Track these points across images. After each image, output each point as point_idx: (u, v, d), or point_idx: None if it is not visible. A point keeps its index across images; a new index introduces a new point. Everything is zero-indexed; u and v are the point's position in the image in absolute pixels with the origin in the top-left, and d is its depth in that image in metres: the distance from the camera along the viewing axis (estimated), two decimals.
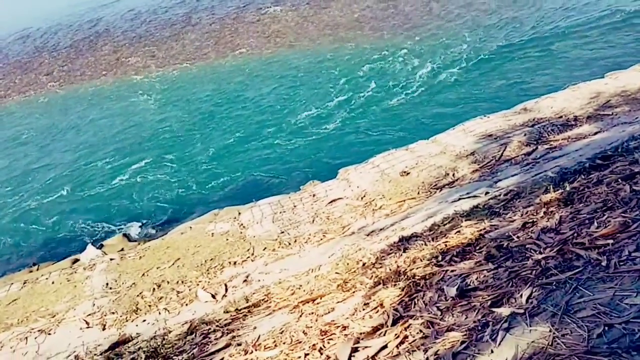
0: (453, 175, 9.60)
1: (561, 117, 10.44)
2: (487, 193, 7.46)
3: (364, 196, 10.03)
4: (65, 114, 24.17)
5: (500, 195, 6.80)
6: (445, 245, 4.95)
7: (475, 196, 7.61)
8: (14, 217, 16.54)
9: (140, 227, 14.52)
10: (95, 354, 6.97)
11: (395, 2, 29.13)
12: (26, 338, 8.51)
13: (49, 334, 8.48)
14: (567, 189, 5.22)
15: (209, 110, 20.94)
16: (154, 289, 8.76)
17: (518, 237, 4.23)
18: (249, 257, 9.01)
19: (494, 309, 3.21)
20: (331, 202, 10.28)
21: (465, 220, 5.82)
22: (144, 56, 30.08)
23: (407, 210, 8.84)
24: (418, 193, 9.42)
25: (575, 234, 3.79)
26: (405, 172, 10.40)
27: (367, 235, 8.14)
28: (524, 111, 11.53)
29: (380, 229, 8.22)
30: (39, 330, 8.61)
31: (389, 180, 10.32)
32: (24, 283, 10.85)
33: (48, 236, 15.26)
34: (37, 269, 13.04)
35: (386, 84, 19.64)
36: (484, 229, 5.06)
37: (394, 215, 8.90)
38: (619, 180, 4.68)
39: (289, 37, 27.62)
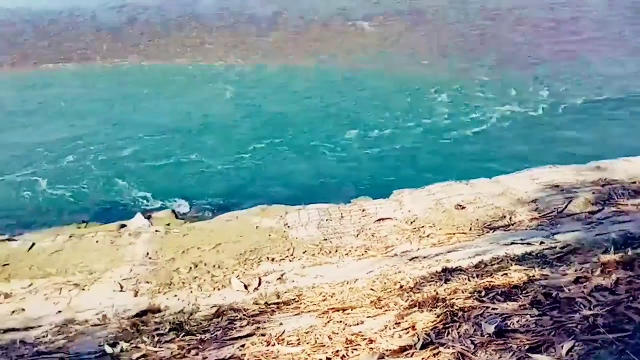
0: (510, 219, 9.30)
1: (635, 182, 9.97)
2: (542, 243, 7.18)
3: (414, 221, 9.85)
4: (145, 85, 24.97)
5: (556, 247, 6.53)
6: (490, 284, 4.78)
7: (529, 243, 7.34)
8: (76, 171, 17.14)
9: (190, 207, 14.80)
10: (122, 317, 7.06)
11: (485, 37, 28.75)
12: (60, 289, 8.73)
13: (83, 289, 8.68)
14: (630, 253, 4.94)
15: (280, 108, 21.18)
16: (190, 267, 8.84)
17: (569, 290, 4.03)
18: (287, 256, 8.98)
19: (530, 355, 3.05)
20: (379, 220, 10.15)
21: (515, 265, 5.61)
22: (226, 45, 30.79)
23: (455, 244, 8.62)
24: (470, 229, 9.18)
25: (631, 297, 3.58)
26: (461, 205, 10.16)
27: (410, 260, 7.97)
28: (596, 169, 11.08)
29: (424, 257, 8.04)
30: (74, 284, 8.82)
31: (442, 210, 10.10)
32: (70, 237, 11.17)
33: (103, 198, 15.74)
34: (85, 227, 13.46)
35: (458, 116, 19.36)
36: (534, 276, 4.85)
37: (440, 245, 8.69)
38: None
39: (369, 53, 27.67)
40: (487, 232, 8.94)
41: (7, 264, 9.94)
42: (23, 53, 32.08)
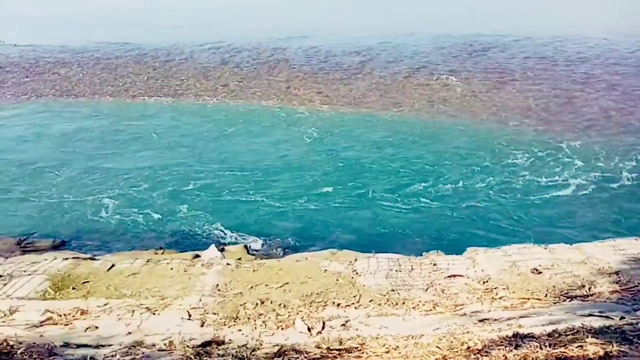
0: (589, 289, 8.86)
1: None
2: (622, 317, 6.79)
3: (487, 281, 9.57)
4: (230, 123, 25.97)
5: (637, 323, 6.15)
6: (563, 355, 4.57)
7: (608, 317, 6.95)
8: (158, 200, 17.93)
9: (262, 244, 15.09)
10: (187, 345, 7.23)
11: (574, 100, 28.02)
12: (133, 311, 9.06)
13: (154, 313, 8.96)
14: None
15: (357, 155, 21.38)
16: (257, 303, 8.96)
17: None
18: (353, 303, 8.93)
19: None
20: (451, 276, 9.93)
21: (592, 337, 5.34)
22: (312, 91, 31.60)
23: (528, 310, 8.30)
24: (545, 295, 8.81)
25: None
26: (537, 270, 9.79)
27: (480, 321, 7.73)
28: None
29: (495, 319, 7.77)
30: (146, 308, 9.13)
31: (517, 273, 9.77)
32: (147, 261, 11.63)
33: (181, 227, 16.34)
34: (162, 253, 13.97)
35: (538, 178, 18.82)
36: (611, 351, 4.60)
37: (513, 309, 8.38)
38: None
39: (453, 107, 27.58)
40: (564, 300, 8.55)
41: (87, 281, 10.45)
42: (124, 85, 34.29)
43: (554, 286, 9.14)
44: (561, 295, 8.78)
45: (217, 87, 33.33)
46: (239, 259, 12.34)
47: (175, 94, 31.99)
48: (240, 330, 7.87)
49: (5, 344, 7.31)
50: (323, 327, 7.86)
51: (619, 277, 9.08)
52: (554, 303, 8.48)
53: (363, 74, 35.86)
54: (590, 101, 27.77)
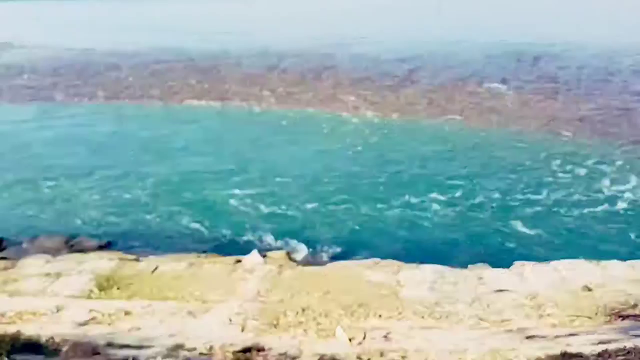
0: None
1: None
2: None
3: (535, 297, 9.26)
4: (275, 129, 26.11)
5: None
6: None
7: None
8: (200, 204, 18.12)
9: (305, 251, 15.02)
10: (227, 350, 7.23)
11: (629, 111, 27.04)
12: (175, 313, 9.15)
13: (195, 317, 9.03)
14: None
15: (405, 164, 21.08)
16: (298, 312, 8.90)
17: None
18: (396, 315, 8.77)
19: None
20: (497, 291, 9.65)
21: None
22: (358, 97, 31.48)
23: (577, 328, 7.98)
24: (596, 314, 8.46)
25: None
26: (588, 287, 9.42)
27: (526, 338, 7.48)
28: None
29: (543, 337, 7.50)
30: (188, 311, 9.21)
31: (567, 290, 9.42)
32: (190, 265, 11.77)
33: (224, 231, 16.44)
34: (206, 257, 14.07)
35: (590, 191, 18.20)
36: None
37: (561, 327, 8.08)
38: None
39: (502, 117, 26.99)
40: (615, 319, 8.20)
41: (132, 283, 10.63)
42: (172, 89, 34.97)
43: (605, 305, 8.78)
44: (613, 314, 8.42)
45: (264, 92, 33.59)
46: (281, 265, 12.31)
47: (223, 98, 32.38)
48: (280, 337, 7.83)
49: (51, 341, 7.47)
50: (364, 338, 7.75)
51: None
52: (605, 322, 8.15)
53: (411, 81, 35.54)
54: None
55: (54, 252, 14.86)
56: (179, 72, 40.41)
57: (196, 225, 16.76)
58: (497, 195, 18.16)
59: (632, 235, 15.47)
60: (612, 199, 17.64)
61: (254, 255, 12.88)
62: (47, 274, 11.08)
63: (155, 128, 26.77)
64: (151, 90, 34.83)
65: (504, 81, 34.30)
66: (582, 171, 19.85)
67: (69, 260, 12.23)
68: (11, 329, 8.18)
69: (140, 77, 38.72)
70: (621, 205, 17.27)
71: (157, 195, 18.84)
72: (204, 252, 14.84)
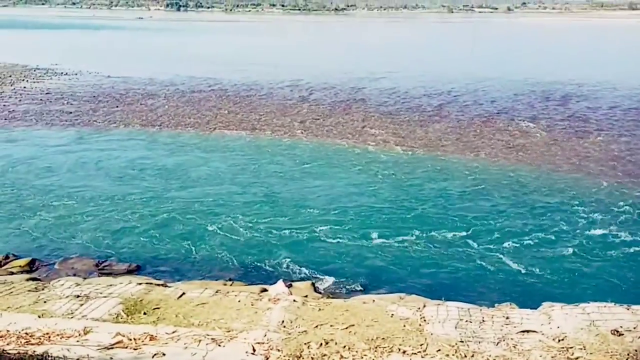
0: None
1: None
2: None
3: (563, 339, 9.08)
4: (305, 160, 26.37)
5: None
6: None
7: None
8: (230, 232, 18.30)
9: (330, 282, 15.02)
10: None
11: None
12: (200, 340, 9.22)
13: (219, 345, 9.08)
14: None
15: (431, 201, 21.04)
16: (321, 344, 8.89)
17: None
18: (420, 351, 8.69)
19: None
20: (524, 332, 9.50)
21: None
22: (387, 132, 31.66)
23: None
24: (626, 359, 8.26)
25: None
26: (618, 331, 9.21)
27: None
28: None
29: None
30: (212, 338, 9.27)
31: (596, 333, 9.22)
32: (216, 292, 11.85)
33: (251, 259, 16.56)
34: (231, 284, 14.18)
35: (619, 232, 17.86)
36: None
37: None
38: None
39: (532, 155, 26.80)
40: None
41: (158, 308, 10.76)
42: (205, 118, 35.66)
43: (637, 350, 8.56)
44: None
45: (294, 123, 34.03)
46: (306, 296, 12.34)
47: (254, 128, 32.90)
48: None
49: None
50: None
51: None
52: None
53: (440, 116, 35.64)
54: None
55: (84, 274, 15.16)
56: (213, 101, 41.27)
57: (223, 253, 16.92)
58: (524, 233, 17.95)
59: None
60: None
61: (280, 285, 12.94)
62: (77, 296, 11.29)
63: (187, 155, 27.27)
64: (185, 118, 35.58)
65: (533, 119, 34.16)
66: (611, 212, 19.51)
67: (98, 283, 12.45)
68: (39, 350, 8.35)
69: (175, 106, 39.62)
70: None
71: (185, 222, 19.11)
72: (230, 280, 14.97)
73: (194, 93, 44.86)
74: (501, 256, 16.58)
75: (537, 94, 43.11)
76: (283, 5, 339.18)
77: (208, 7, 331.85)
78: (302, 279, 15.14)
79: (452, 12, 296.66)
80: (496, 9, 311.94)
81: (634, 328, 9.34)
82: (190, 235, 18.10)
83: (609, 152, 27.00)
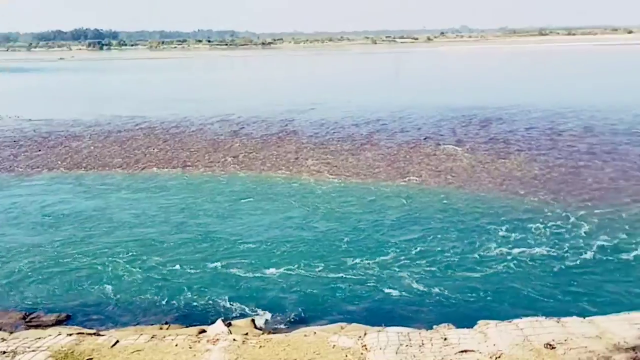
0: None
1: None
2: None
3: (499, 357, 9.34)
4: (238, 195, 26.17)
5: None
6: None
7: None
8: (165, 272, 17.84)
9: (269, 318, 14.84)
10: None
11: (579, 170, 28.18)
12: None
13: None
14: None
15: (366, 227, 21.33)
16: None
17: None
18: None
19: None
20: (462, 352, 9.71)
21: None
22: (320, 162, 31.98)
23: None
24: None
25: None
26: (550, 345, 9.57)
27: None
28: None
29: None
30: None
31: (530, 348, 9.54)
32: (152, 337, 11.46)
33: (187, 301, 16.14)
34: (168, 328, 13.76)
35: (546, 248, 18.65)
36: None
37: None
38: None
39: (459, 178, 27.73)
40: None
41: (91, 358, 10.29)
42: (134, 157, 34.87)
43: None
44: None
45: (226, 158, 33.82)
46: (246, 334, 12.13)
47: (185, 165, 32.45)
48: None
49: None
50: None
51: (636, 354, 8.85)
52: None
53: (370, 144, 36.38)
54: (596, 170, 27.92)
55: (10, 328, 14.30)
56: (141, 140, 40.47)
57: (157, 296, 16.42)
58: (457, 255, 18.44)
59: (589, 291, 15.83)
60: (567, 256, 18.09)
61: (218, 325, 12.66)
62: (3, 352, 10.65)
63: (115, 197, 26.51)
64: (112, 159, 34.67)
65: (458, 143, 35.46)
66: (537, 229, 20.38)
67: (25, 337, 11.78)
68: None
69: (102, 146, 38.57)
70: (576, 261, 17.72)
71: (116, 266, 18.47)
72: (167, 323, 14.51)
73: (121, 132, 43.86)
74: (436, 278, 16.94)
75: (459, 119, 44.84)
76: (209, 41, 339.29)
77: (132, 45, 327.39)
78: (241, 316, 14.88)
79: (376, 43, 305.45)
80: (417, 39, 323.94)
81: (565, 340, 9.73)
82: (121, 280, 17.49)
83: (530, 171, 28.31)
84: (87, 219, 23.38)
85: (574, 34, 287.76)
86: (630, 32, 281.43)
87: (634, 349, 9.02)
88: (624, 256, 17.93)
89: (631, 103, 49.25)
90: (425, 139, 37.43)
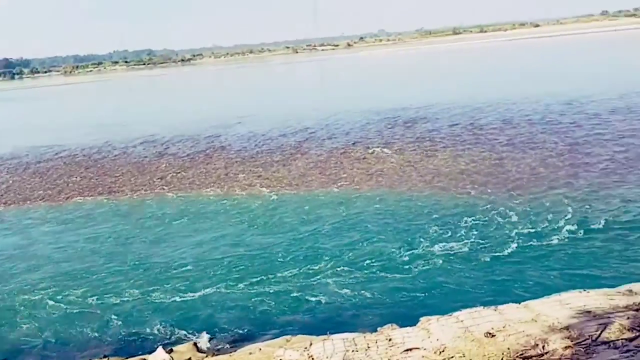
0: (543, 347, 8.93)
1: None
2: None
3: (443, 351, 9.50)
4: (169, 217, 25.56)
5: None
6: None
7: None
8: (99, 304, 17.12)
9: (211, 339, 14.48)
10: None
11: (502, 161, 29.28)
12: None
13: None
14: None
15: (306, 237, 21.29)
16: None
17: None
18: None
19: None
20: (407, 350, 9.81)
21: None
22: (251, 175, 31.73)
23: None
24: (502, 359, 8.80)
25: None
26: (490, 333, 9.82)
27: None
28: (628, 293, 10.75)
29: None
30: None
31: (472, 339, 9.76)
32: None
33: (125, 330, 15.55)
34: None
35: (480, 240, 19.24)
36: None
37: None
38: None
39: (390, 179, 28.22)
40: None
41: None
42: (56, 187, 33.42)
43: (509, 348, 9.17)
44: (517, 357, 8.80)
45: (153, 180, 33.00)
46: (189, 358, 11.81)
47: (111, 191, 31.40)
48: None
49: None
50: None
51: (570, 332, 9.21)
52: None
53: (300, 153, 36.44)
54: (517, 161, 29.09)
55: None
56: (62, 169, 38.91)
57: (93, 330, 15.72)
58: (395, 254, 18.70)
59: (521, 277, 16.43)
60: (498, 245, 18.73)
61: (160, 353, 12.27)
62: None
63: (37, 231, 25.28)
64: (33, 191, 33.10)
65: (386, 145, 36.11)
66: (467, 222, 20.98)
67: None
68: None
69: (20, 179, 36.77)
70: (506, 250, 18.35)
71: (47, 300, 17.57)
72: (105, 356, 13.92)
73: (40, 163, 41.97)
74: (376, 280, 17.10)
75: (384, 122, 45.66)
76: (126, 61, 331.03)
77: (45, 72, 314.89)
78: (182, 341, 14.45)
79: (297, 52, 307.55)
80: (337, 45, 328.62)
81: (503, 327, 10.01)
82: (50, 318, 16.64)
83: (456, 167, 29.17)
84: (8, 258, 22.18)
85: (485, 31, 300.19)
86: (536, 25, 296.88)
87: (567, 328, 9.39)
88: (547, 241, 18.71)
89: (542, 93, 51.71)
90: (354, 143, 37.87)
